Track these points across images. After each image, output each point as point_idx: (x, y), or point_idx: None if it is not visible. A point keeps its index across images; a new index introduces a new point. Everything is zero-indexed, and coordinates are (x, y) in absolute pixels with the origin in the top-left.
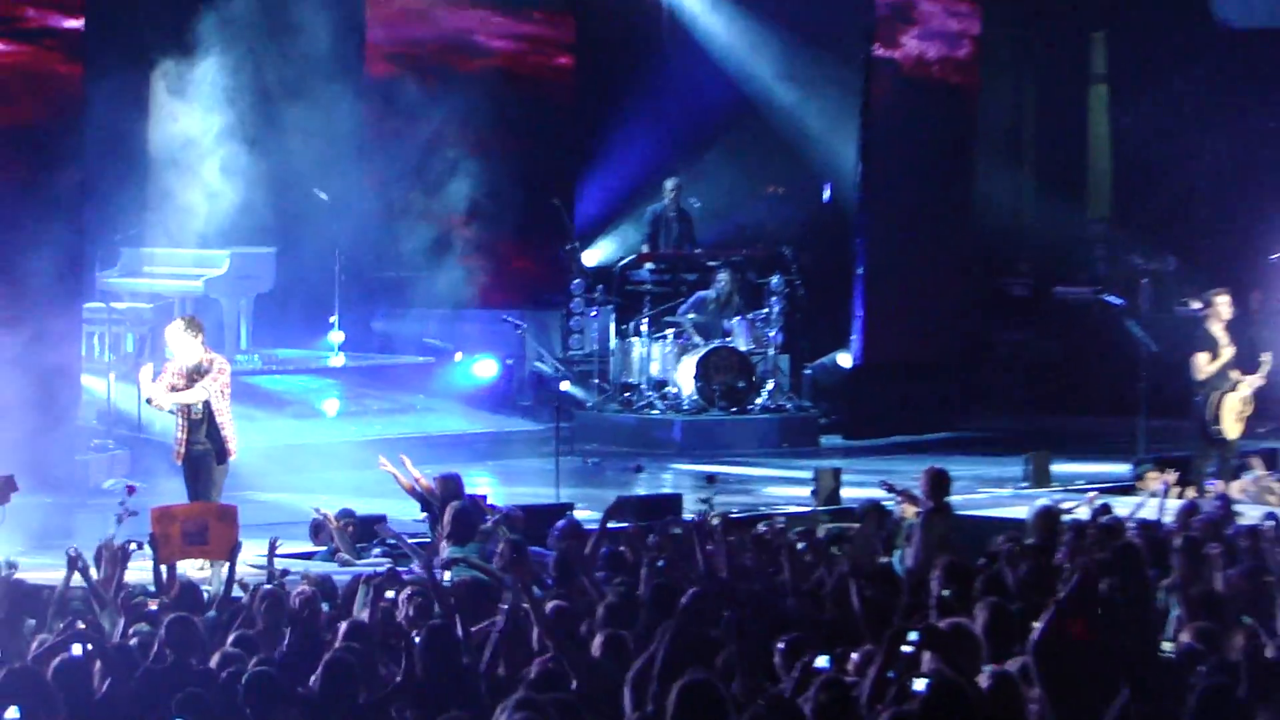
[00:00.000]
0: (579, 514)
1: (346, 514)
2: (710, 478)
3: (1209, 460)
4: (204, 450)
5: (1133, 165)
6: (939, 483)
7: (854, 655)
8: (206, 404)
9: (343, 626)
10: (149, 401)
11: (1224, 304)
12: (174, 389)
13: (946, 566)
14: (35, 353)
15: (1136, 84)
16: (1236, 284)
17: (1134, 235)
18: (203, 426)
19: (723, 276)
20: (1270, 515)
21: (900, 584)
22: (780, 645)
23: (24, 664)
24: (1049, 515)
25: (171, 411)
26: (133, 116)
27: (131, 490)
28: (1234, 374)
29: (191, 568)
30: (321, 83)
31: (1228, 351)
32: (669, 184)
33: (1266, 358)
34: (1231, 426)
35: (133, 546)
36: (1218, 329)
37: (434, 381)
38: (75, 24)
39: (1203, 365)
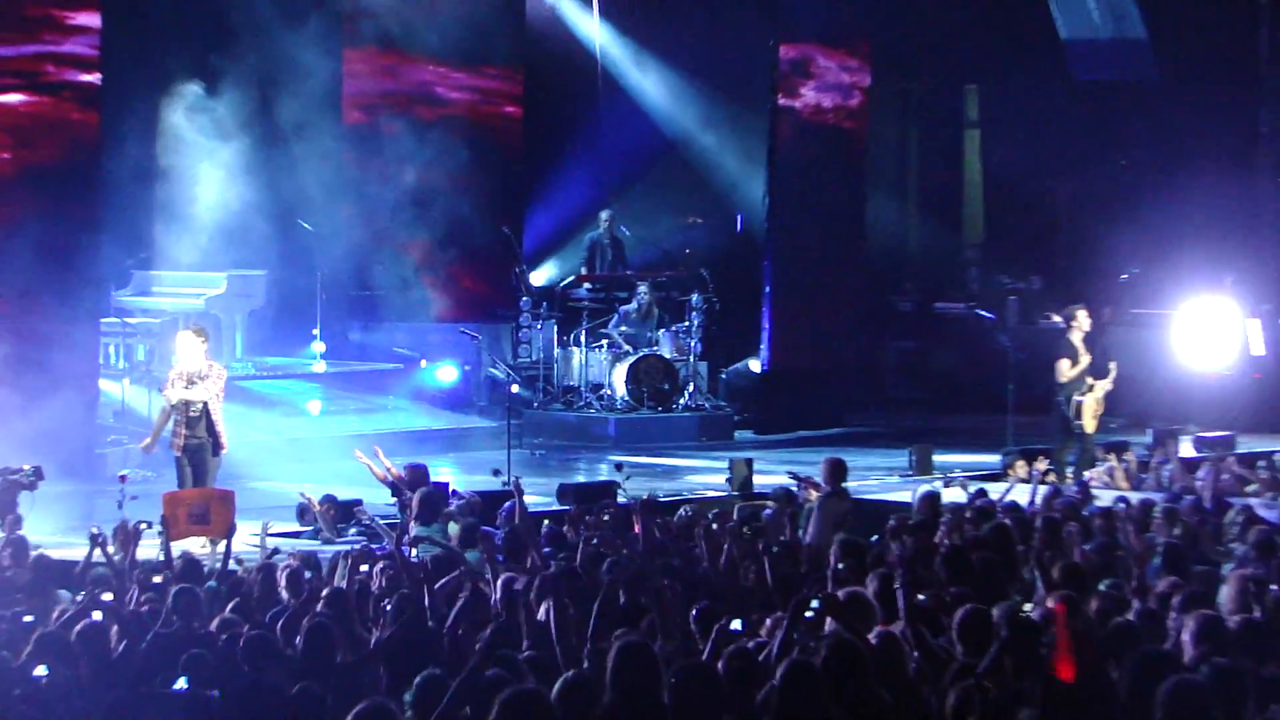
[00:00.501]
0: (527, 499)
1: (328, 499)
2: (618, 465)
3: (1069, 451)
4: (200, 444)
5: (1001, 198)
6: (836, 470)
7: (767, 620)
8: (204, 403)
9: (324, 595)
10: (160, 390)
11: (1083, 318)
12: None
13: (842, 543)
14: (60, 361)
15: (1003, 129)
16: (1091, 300)
17: (1003, 258)
18: (200, 423)
19: (643, 289)
20: (1121, 499)
21: (802, 558)
22: (694, 612)
23: (51, 629)
24: (931, 499)
25: (174, 408)
26: (144, 150)
27: (123, 479)
28: (1089, 378)
29: (194, 545)
30: (308, 127)
31: (1085, 359)
32: (603, 215)
33: (1113, 366)
34: (1089, 423)
35: (143, 526)
36: (1077, 339)
37: (403, 385)
38: (92, 78)
39: (1065, 371)
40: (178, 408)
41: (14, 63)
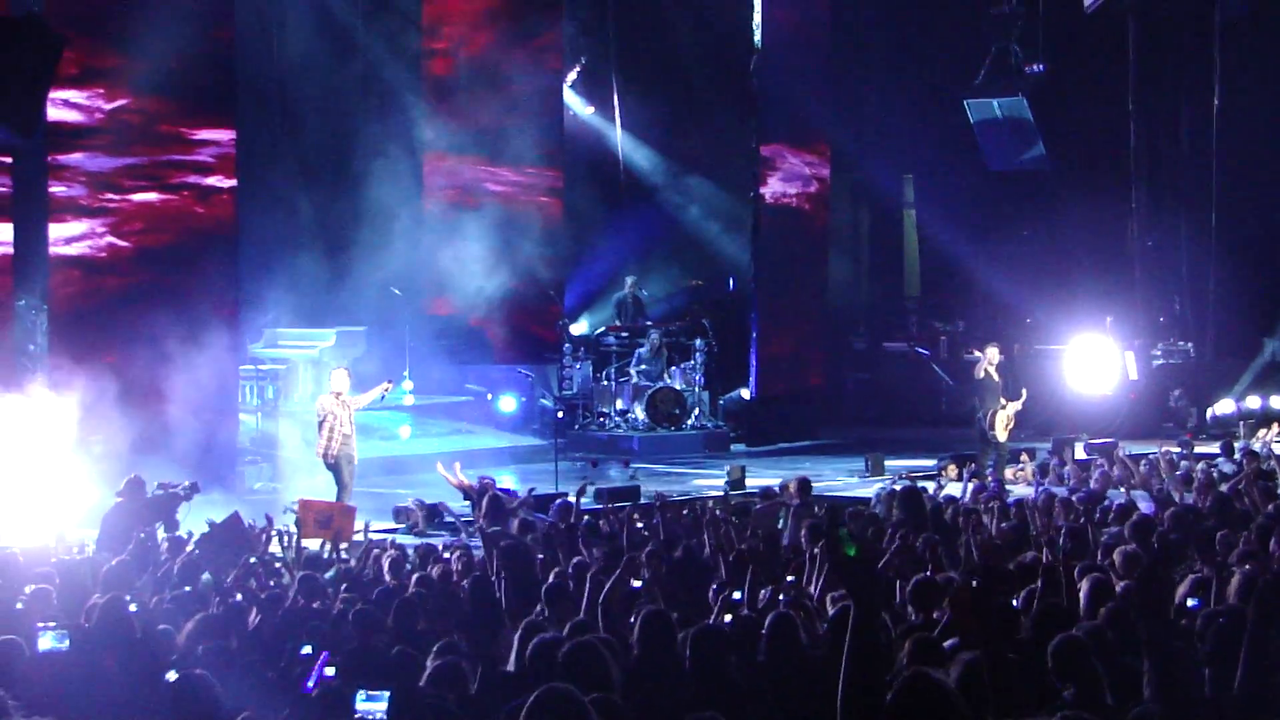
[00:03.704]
0: (571, 498)
1: (418, 502)
2: (626, 462)
3: (988, 456)
4: (352, 454)
5: (933, 261)
6: (804, 487)
7: (762, 592)
8: (353, 419)
9: (414, 577)
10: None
11: (993, 353)
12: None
13: (810, 527)
14: (209, 398)
15: (933, 208)
16: (1004, 338)
17: (935, 308)
18: (353, 438)
19: (654, 334)
20: (1039, 491)
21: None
22: (714, 587)
23: (210, 612)
24: (892, 495)
25: (330, 425)
26: (278, 234)
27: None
28: (1002, 399)
29: (313, 544)
30: (398, 214)
31: (997, 383)
32: (629, 279)
33: (1024, 391)
34: (1001, 433)
35: (274, 531)
36: (990, 369)
37: (474, 413)
38: (216, 180)
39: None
40: (333, 425)
41: (148, 169)
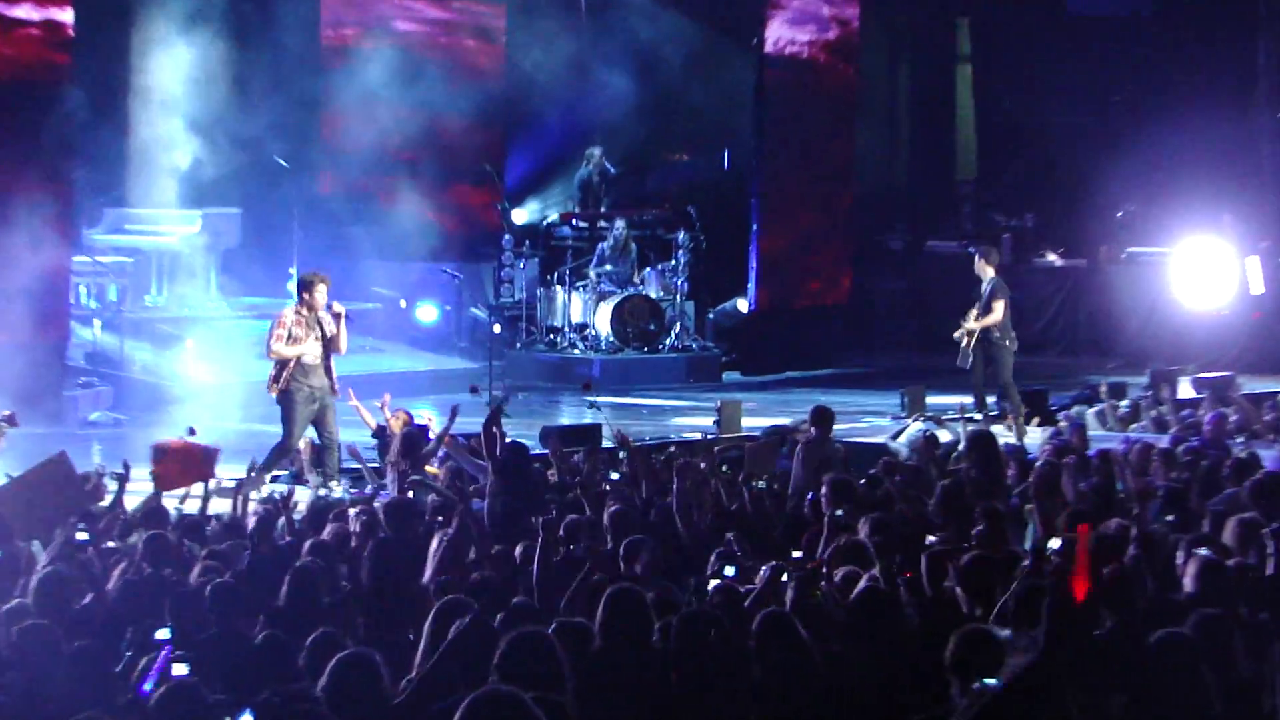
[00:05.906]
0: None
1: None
2: (586, 384)
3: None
4: (322, 389)
5: (994, 134)
6: (824, 416)
7: (763, 569)
8: (324, 351)
9: (307, 543)
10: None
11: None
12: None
13: (833, 483)
14: (27, 300)
15: (996, 63)
16: (1087, 238)
17: (996, 195)
18: (318, 369)
19: (619, 224)
20: (1124, 440)
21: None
22: (713, 558)
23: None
24: (929, 440)
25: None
26: (114, 81)
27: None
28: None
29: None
30: (283, 56)
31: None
32: (595, 151)
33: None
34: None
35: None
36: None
37: (382, 325)
38: (57, 14)
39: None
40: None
41: None
